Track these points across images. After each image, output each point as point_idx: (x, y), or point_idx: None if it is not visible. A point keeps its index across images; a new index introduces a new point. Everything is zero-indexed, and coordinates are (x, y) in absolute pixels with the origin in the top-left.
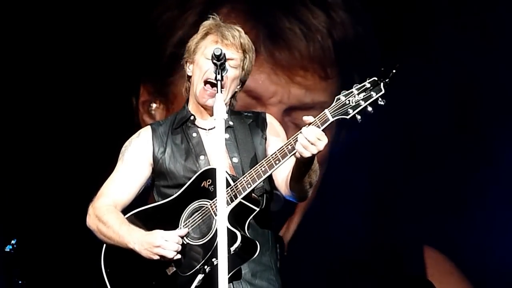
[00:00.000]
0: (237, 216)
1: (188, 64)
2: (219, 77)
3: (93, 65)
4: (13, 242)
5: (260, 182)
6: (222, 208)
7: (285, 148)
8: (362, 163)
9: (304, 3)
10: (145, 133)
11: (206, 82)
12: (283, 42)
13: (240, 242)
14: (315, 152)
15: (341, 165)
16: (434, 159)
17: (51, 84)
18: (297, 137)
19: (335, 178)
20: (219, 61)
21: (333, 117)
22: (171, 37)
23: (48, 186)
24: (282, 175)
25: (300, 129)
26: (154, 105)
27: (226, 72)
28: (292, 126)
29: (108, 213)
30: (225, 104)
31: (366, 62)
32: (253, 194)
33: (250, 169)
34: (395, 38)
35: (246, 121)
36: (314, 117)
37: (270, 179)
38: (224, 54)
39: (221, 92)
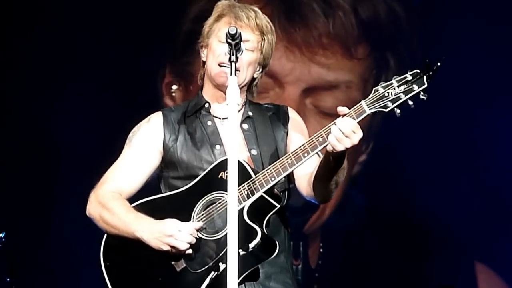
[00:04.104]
0: (256, 212)
1: (202, 48)
2: (233, 58)
3: (114, 46)
4: (1, 235)
5: (285, 176)
6: (233, 202)
7: (315, 140)
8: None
9: None
10: (156, 118)
11: (220, 65)
12: (299, 18)
13: (260, 239)
14: (348, 145)
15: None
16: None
17: (71, 68)
18: (329, 129)
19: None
20: (234, 40)
21: (370, 109)
22: (187, 12)
23: (43, 176)
24: (304, 172)
25: (323, 113)
26: (174, 87)
27: (242, 53)
28: (313, 110)
29: (113, 200)
30: (243, 90)
31: (402, 42)
32: (275, 189)
33: (270, 163)
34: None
35: (266, 113)
36: (349, 108)
37: (288, 177)
38: (240, 33)
39: (235, 75)
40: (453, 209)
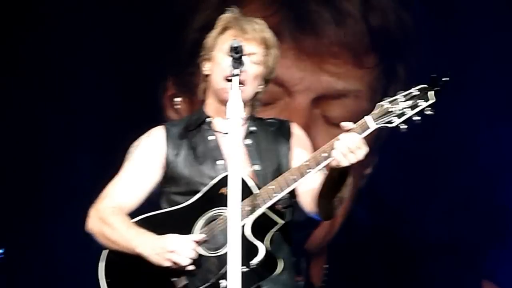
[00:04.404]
0: (259, 228)
1: (205, 62)
2: (236, 71)
3: (115, 58)
4: (0, 251)
5: (287, 192)
6: (234, 217)
7: (319, 155)
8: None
9: None
10: (158, 133)
11: (227, 80)
12: (309, 26)
13: (263, 256)
14: (354, 161)
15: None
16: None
17: (74, 76)
18: (333, 144)
19: None
20: (237, 54)
21: (376, 125)
22: (192, 21)
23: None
24: (307, 188)
25: (331, 123)
26: (178, 99)
27: (244, 67)
28: (321, 119)
29: (113, 215)
30: (246, 104)
31: (411, 53)
32: (278, 205)
33: (273, 178)
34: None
35: (269, 128)
36: (355, 122)
37: (292, 193)
38: (243, 46)
39: (238, 88)
40: (463, 227)
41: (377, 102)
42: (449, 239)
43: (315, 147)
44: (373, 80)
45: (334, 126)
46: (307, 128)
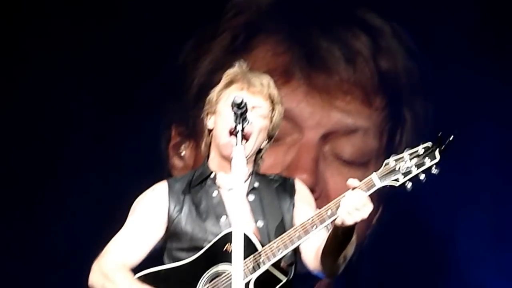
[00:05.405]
0: (263, 285)
1: (209, 116)
2: (239, 127)
3: (118, 102)
4: None
5: (291, 249)
6: (238, 275)
7: (324, 213)
8: None
9: (346, 24)
10: (161, 188)
11: (231, 133)
12: (321, 64)
13: None
14: (358, 219)
15: None
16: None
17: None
18: (338, 202)
19: None
20: (240, 109)
21: (381, 183)
22: (198, 66)
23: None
24: (311, 246)
25: (341, 160)
26: (183, 146)
27: (248, 123)
28: (332, 157)
29: (116, 270)
30: (250, 160)
31: (418, 98)
32: (282, 263)
33: (277, 235)
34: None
35: (272, 184)
36: (360, 181)
37: (295, 251)
38: (246, 102)
39: (241, 144)
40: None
41: (384, 142)
42: None
43: (323, 183)
44: (381, 121)
45: (345, 164)
46: (316, 164)
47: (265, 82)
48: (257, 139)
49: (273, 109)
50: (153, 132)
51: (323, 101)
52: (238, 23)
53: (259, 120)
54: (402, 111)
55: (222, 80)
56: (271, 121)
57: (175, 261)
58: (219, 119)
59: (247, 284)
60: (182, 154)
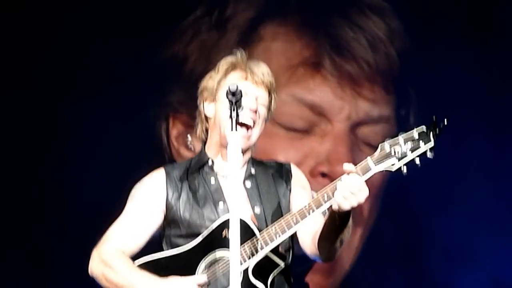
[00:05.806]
0: (261, 270)
1: (207, 103)
2: (234, 114)
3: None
4: None
5: (289, 234)
6: (235, 261)
7: (320, 198)
8: None
9: (361, 9)
10: (158, 175)
11: (237, 123)
12: (349, 53)
13: None
14: (355, 204)
15: None
16: None
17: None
18: (335, 186)
19: None
20: (235, 97)
21: (376, 167)
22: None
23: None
24: (308, 230)
25: (373, 148)
26: (190, 137)
27: (242, 109)
28: (362, 144)
29: (116, 258)
30: (254, 145)
31: (422, 79)
32: (279, 248)
33: (273, 220)
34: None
35: (269, 170)
36: (355, 165)
37: (292, 235)
38: (241, 90)
39: (236, 130)
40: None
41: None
42: None
43: None
44: (395, 106)
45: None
46: (352, 154)
47: (265, 71)
48: (261, 127)
49: (270, 97)
50: (151, 120)
51: (351, 92)
52: (246, 13)
53: (262, 108)
54: (408, 93)
55: (220, 67)
56: (269, 109)
57: (174, 248)
58: (221, 107)
59: (245, 269)
60: (190, 145)
